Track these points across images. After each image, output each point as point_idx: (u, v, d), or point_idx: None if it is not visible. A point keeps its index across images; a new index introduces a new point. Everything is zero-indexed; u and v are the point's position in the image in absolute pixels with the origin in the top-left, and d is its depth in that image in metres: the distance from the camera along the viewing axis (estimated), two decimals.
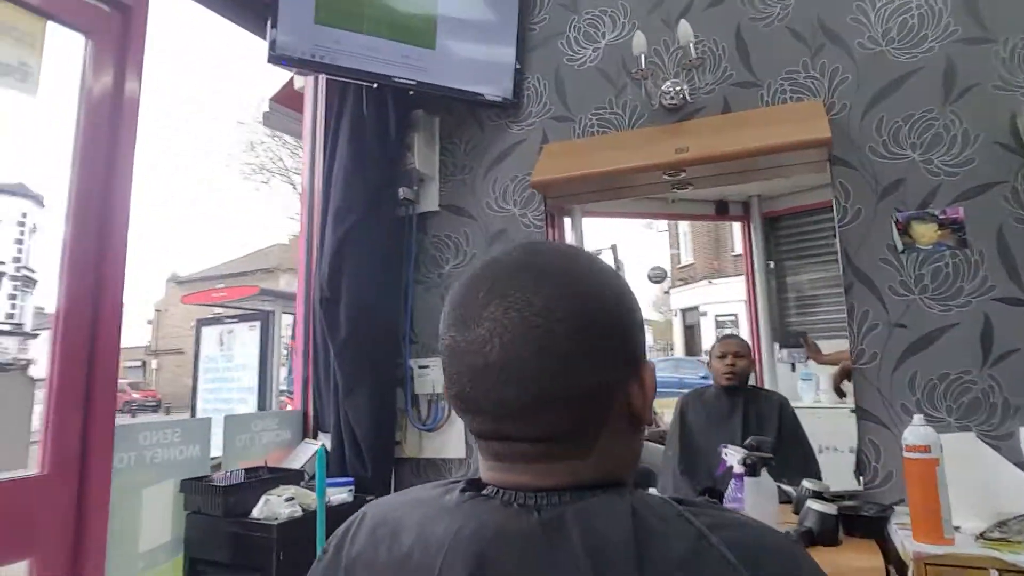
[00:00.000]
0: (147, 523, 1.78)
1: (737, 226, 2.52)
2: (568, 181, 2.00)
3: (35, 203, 22.16)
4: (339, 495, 1.95)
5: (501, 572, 0.52)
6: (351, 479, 2.02)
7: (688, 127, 1.99)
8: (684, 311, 3.76)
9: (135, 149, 1.74)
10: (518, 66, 2.20)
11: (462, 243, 2.27)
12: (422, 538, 0.57)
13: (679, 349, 3.25)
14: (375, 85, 2.03)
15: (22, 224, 22.46)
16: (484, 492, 0.59)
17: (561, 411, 0.55)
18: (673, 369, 3.46)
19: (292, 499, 1.82)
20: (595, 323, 0.56)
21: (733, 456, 1.76)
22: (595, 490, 0.56)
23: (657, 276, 3.30)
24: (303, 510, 1.81)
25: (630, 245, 3.16)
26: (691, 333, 3.61)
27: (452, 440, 2.20)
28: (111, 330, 1.67)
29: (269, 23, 1.80)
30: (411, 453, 2.23)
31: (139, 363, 28.05)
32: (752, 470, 1.64)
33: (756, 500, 1.62)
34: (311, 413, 2.31)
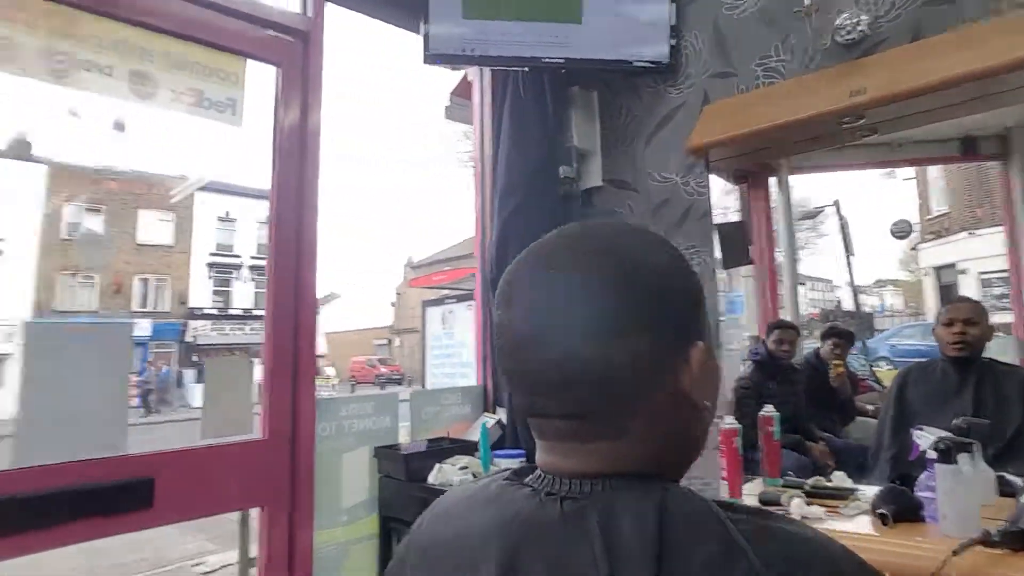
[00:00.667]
0: (347, 483, 2.05)
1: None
2: (726, 143, 1.88)
3: None
4: (510, 466, 2.07)
5: (527, 562, 0.54)
6: (522, 451, 2.13)
7: (868, 64, 1.74)
8: (938, 269, 3.21)
9: (319, 164, 1.99)
10: (673, 23, 2.10)
11: (627, 216, 2.24)
12: (464, 527, 0.61)
13: (932, 313, 2.82)
14: (526, 69, 2.09)
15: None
16: (525, 480, 0.62)
17: (591, 387, 0.55)
18: (921, 336, 2.98)
19: (465, 468, 1.98)
20: (627, 300, 0.55)
21: (925, 439, 1.54)
22: (629, 480, 0.56)
23: (901, 231, 2.92)
24: (474, 478, 1.97)
25: (863, 198, 2.90)
26: (948, 293, 3.10)
27: None
28: (308, 320, 1.95)
29: (422, 24, 1.95)
30: None
31: (385, 341, 31.75)
32: (946, 456, 1.42)
33: (952, 490, 1.40)
34: (490, 388, 2.47)
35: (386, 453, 2.08)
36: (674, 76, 2.15)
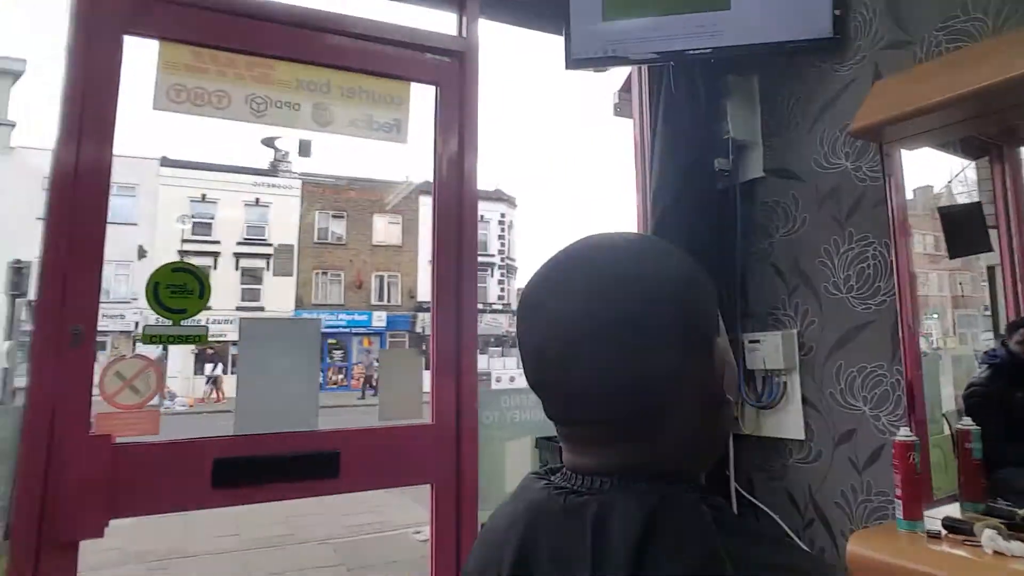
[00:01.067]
0: (511, 470, 2.18)
1: None
2: (896, 122, 1.65)
3: (509, 205, 27.68)
4: None
5: (536, 548, 0.60)
6: None
7: None
8: None
9: (476, 172, 2.14)
10: None
11: (791, 208, 2.07)
12: (500, 515, 0.69)
13: None
14: (671, 64, 2.03)
15: (502, 222, 28.25)
16: (552, 477, 0.66)
17: (626, 400, 0.58)
18: None
19: None
20: (652, 316, 0.58)
21: None
22: (637, 479, 0.58)
23: None
24: None
25: None
26: None
27: (790, 419, 2.05)
28: (470, 318, 2.11)
29: (564, 33, 2.00)
30: (749, 431, 2.16)
31: None
32: None
33: None
34: None
35: (545, 444, 2.17)
36: (840, 52, 1.94)
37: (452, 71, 2.13)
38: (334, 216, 25.82)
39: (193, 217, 23.33)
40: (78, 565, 1.67)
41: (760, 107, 2.17)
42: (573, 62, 2.00)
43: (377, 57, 2.03)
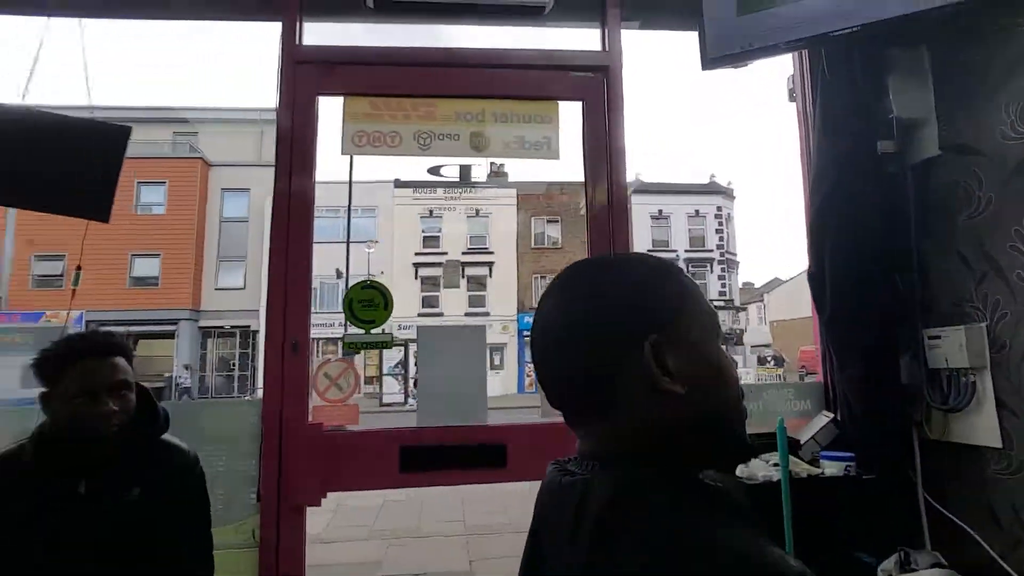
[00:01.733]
0: None
1: None
2: None
3: (726, 197, 26.35)
4: (832, 468, 1.94)
5: (544, 519, 0.76)
6: (850, 454, 1.96)
7: None
8: None
9: (625, 175, 2.22)
10: None
11: (973, 187, 1.84)
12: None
13: None
14: (823, 48, 1.91)
15: (719, 215, 26.97)
16: (565, 460, 0.79)
17: (572, 386, 0.73)
18: None
19: (777, 464, 1.94)
20: (587, 311, 0.72)
21: None
22: (612, 461, 0.69)
23: None
24: (794, 476, 1.91)
25: None
26: None
27: (982, 424, 1.82)
28: None
29: (698, 34, 1.99)
30: (936, 435, 1.95)
31: None
32: None
33: None
34: (830, 385, 2.30)
35: None
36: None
37: (596, 85, 2.23)
38: (548, 221, 26.80)
39: (424, 232, 25.81)
40: (306, 526, 2.10)
41: (932, 78, 1.95)
42: (710, 62, 1.99)
43: (524, 82, 2.21)
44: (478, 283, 25.74)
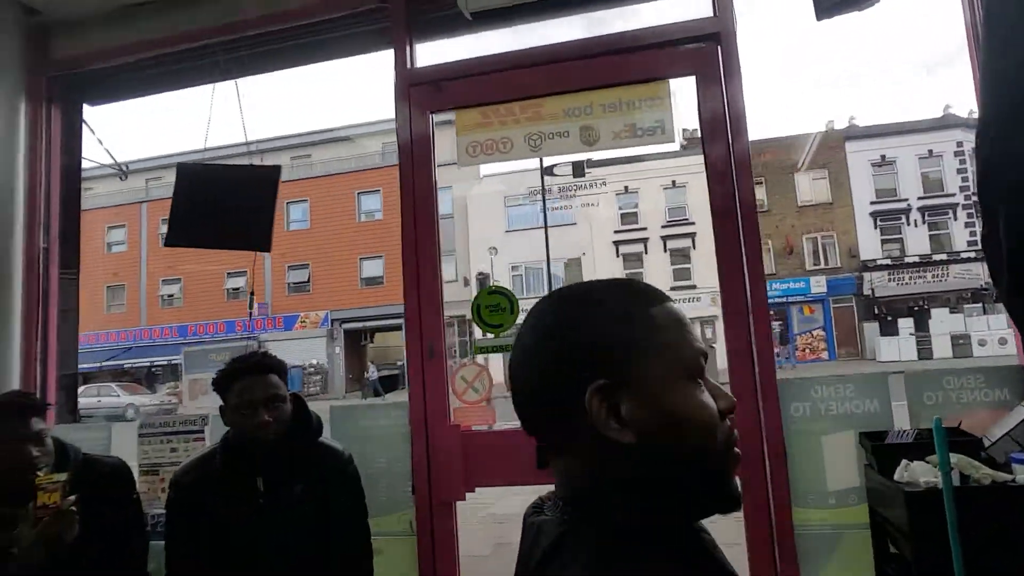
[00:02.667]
0: (831, 467, 1.99)
1: None
2: None
3: (964, 129, 22.27)
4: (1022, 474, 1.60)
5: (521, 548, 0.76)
6: None
7: None
8: None
9: (748, 144, 2.02)
10: None
11: None
12: None
13: None
14: None
15: (959, 152, 22.94)
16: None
17: (531, 422, 0.72)
18: None
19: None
20: (545, 339, 0.70)
21: None
22: (567, 503, 0.68)
23: None
24: (972, 483, 1.61)
25: None
26: None
27: None
28: (759, 297, 2.01)
29: None
30: None
31: None
32: None
33: None
34: None
35: (865, 441, 1.91)
36: None
37: (709, 55, 2.05)
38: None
39: (621, 209, 25.65)
40: (457, 520, 2.24)
41: None
42: (824, 10, 1.72)
43: (630, 66, 2.11)
44: (681, 256, 24.95)
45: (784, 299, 24.29)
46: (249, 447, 1.82)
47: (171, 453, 2.43)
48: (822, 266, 24.54)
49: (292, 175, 27.39)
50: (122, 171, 3.11)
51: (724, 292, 2.05)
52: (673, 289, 23.19)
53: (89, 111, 2.84)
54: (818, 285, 24.13)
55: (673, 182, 24.91)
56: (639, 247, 25.31)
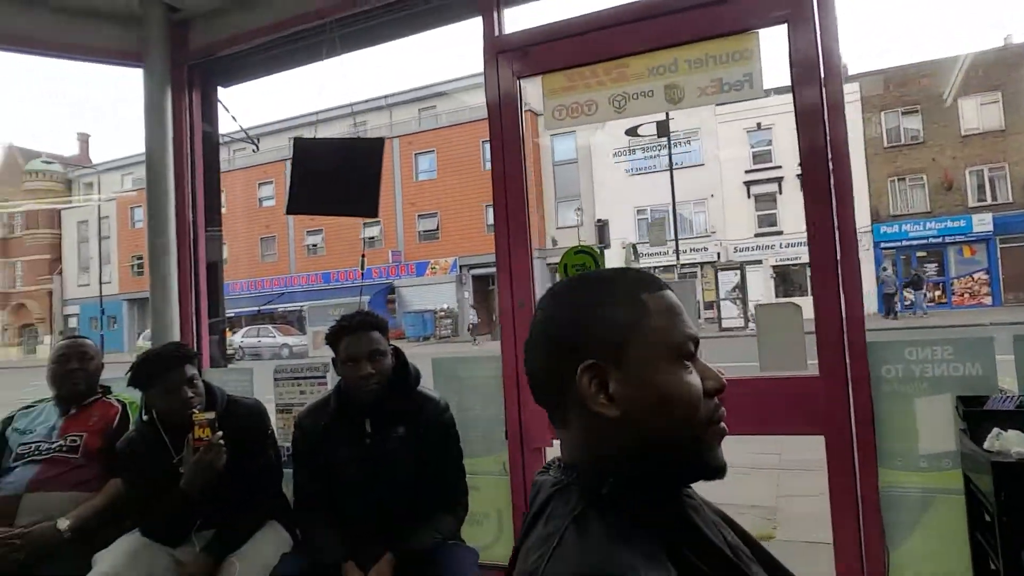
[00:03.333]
0: (925, 430, 1.92)
1: None
2: None
3: None
4: None
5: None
6: None
7: None
8: None
9: (842, 93, 1.92)
10: None
11: None
12: None
13: None
14: None
15: None
16: None
17: (537, 394, 0.83)
18: None
19: None
20: (545, 324, 0.82)
21: None
22: (566, 468, 0.79)
23: None
24: None
25: None
26: None
27: None
28: (850, 264, 1.95)
29: None
30: None
31: None
32: None
33: None
34: None
35: (963, 406, 1.83)
36: None
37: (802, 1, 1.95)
38: (904, 112, 22.59)
39: (752, 147, 24.20)
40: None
41: None
42: None
43: (716, 19, 2.04)
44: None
45: (940, 239, 22.09)
46: (356, 395, 2.06)
47: (300, 395, 2.77)
48: (988, 202, 21.90)
49: (419, 127, 28.24)
50: (254, 142, 3.44)
51: (812, 244, 1.99)
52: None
53: (223, 92, 3.17)
54: (982, 223, 21.64)
55: None
56: (772, 187, 23.86)
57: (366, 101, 28.46)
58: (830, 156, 1.95)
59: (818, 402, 2.01)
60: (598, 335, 0.75)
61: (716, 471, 0.75)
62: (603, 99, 2.20)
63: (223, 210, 3.33)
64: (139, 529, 2.04)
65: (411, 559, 1.94)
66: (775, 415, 2.07)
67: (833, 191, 1.96)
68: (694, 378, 0.74)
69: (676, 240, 21.17)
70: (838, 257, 1.96)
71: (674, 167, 20.28)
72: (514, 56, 2.29)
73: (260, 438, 2.28)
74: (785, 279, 23.65)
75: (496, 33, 2.33)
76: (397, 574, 1.92)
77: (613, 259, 20.62)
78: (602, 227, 10.22)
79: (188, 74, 3.01)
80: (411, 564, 1.94)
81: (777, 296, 23.15)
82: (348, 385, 2.08)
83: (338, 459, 2.07)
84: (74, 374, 2.41)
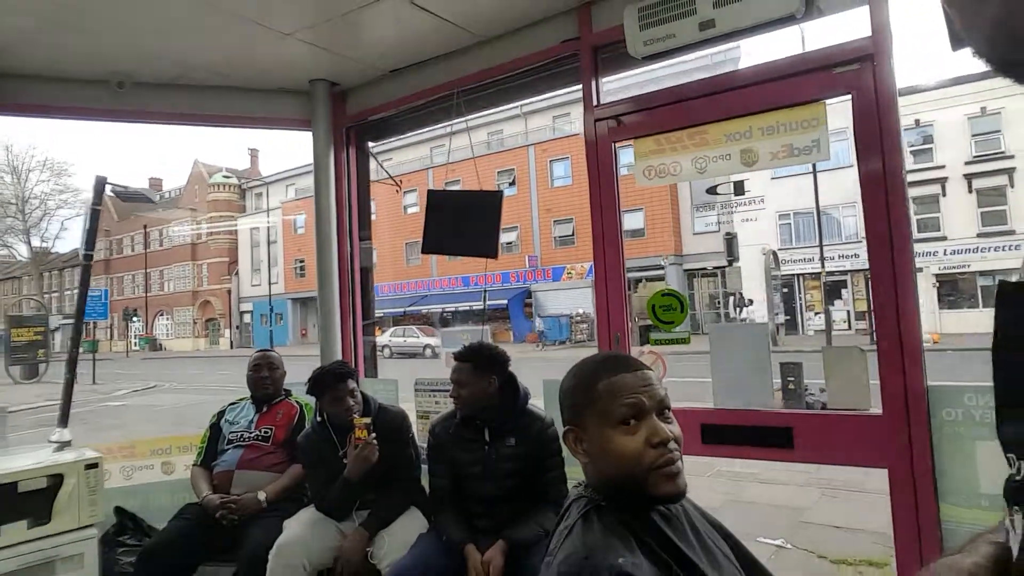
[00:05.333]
0: (985, 472, 2.06)
1: None
2: None
3: None
4: None
5: None
6: None
7: None
8: None
9: (902, 157, 2.11)
10: None
11: None
12: None
13: None
14: None
15: None
16: None
17: None
18: None
19: None
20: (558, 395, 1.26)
21: None
22: (581, 489, 1.21)
23: None
24: None
25: None
26: None
27: None
28: (908, 304, 2.13)
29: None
30: None
31: None
32: None
33: None
34: None
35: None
36: None
37: (864, 75, 2.16)
38: None
39: (911, 145, 22.36)
40: None
41: None
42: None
43: (787, 92, 2.30)
44: (996, 195, 21.03)
45: None
46: (478, 413, 2.55)
47: (435, 404, 3.32)
48: None
49: (553, 134, 28.84)
50: (398, 184, 4.07)
51: (877, 298, 2.19)
52: (981, 236, 19.84)
53: (372, 146, 3.82)
54: None
55: (983, 109, 20.79)
56: (935, 188, 21.71)
57: (500, 110, 29.53)
58: (889, 218, 2.15)
59: (881, 438, 2.20)
60: (571, 411, 1.19)
61: (665, 499, 1.12)
62: (687, 161, 2.52)
63: (373, 217, 3.98)
64: (314, 505, 2.68)
65: (519, 547, 2.40)
66: (841, 447, 2.29)
67: (894, 220, 2.15)
68: (632, 439, 1.11)
69: (820, 246, 20.07)
70: (896, 294, 2.15)
71: (818, 170, 19.21)
72: (610, 125, 2.67)
73: (403, 438, 2.84)
74: (955, 288, 21.57)
75: (595, 103, 2.72)
76: (507, 558, 2.38)
77: (749, 267, 19.94)
78: (730, 240, 10.14)
79: (346, 134, 3.67)
80: (519, 551, 2.39)
81: (942, 308, 21.19)
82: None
83: (462, 461, 2.57)
84: (264, 380, 3.12)
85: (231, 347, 40.50)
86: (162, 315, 46.48)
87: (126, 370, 26.43)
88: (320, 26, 2.82)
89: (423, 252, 3.15)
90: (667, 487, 1.11)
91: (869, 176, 2.18)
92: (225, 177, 43.24)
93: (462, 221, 3.06)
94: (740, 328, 7.97)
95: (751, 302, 18.71)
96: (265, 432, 2.99)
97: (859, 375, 2.29)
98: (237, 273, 42.24)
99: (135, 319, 41.20)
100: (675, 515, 1.15)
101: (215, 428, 3.07)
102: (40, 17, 2.60)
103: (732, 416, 2.47)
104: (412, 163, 29.42)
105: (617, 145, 2.70)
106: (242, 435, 2.98)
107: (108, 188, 3.52)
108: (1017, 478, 0.58)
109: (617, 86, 2.84)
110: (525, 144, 28.82)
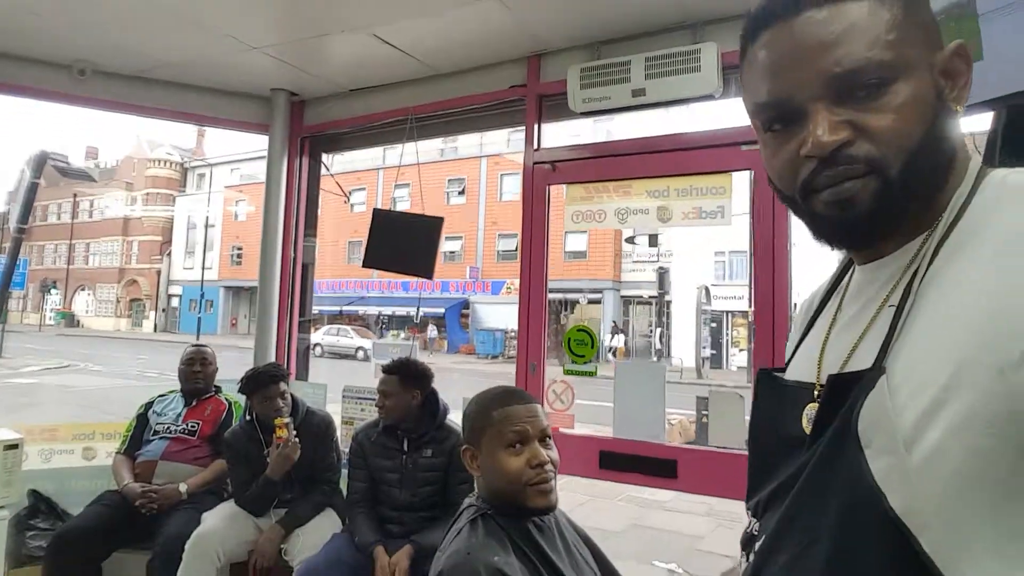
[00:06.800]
0: None
1: None
2: None
3: None
4: None
5: None
6: None
7: None
8: None
9: (789, 234, 2.44)
10: None
11: None
12: None
13: None
14: None
15: None
16: None
17: None
18: None
19: None
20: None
21: None
22: (473, 499, 1.42)
23: None
24: None
25: None
26: None
27: None
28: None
29: None
30: None
31: None
32: None
33: None
34: None
35: None
36: None
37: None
38: None
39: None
40: None
41: None
42: None
43: (702, 160, 2.61)
44: None
45: None
46: (400, 423, 2.73)
47: (360, 412, 3.48)
48: None
49: (508, 147, 29.22)
50: (347, 196, 4.23)
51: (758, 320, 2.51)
52: None
53: (326, 157, 3.97)
54: None
55: None
56: None
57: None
58: (773, 285, 2.47)
59: None
60: (470, 432, 1.42)
61: (538, 511, 1.36)
62: (611, 211, 2.80)
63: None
64: (234, 500, 2.80)
65: (425, 552, 2.59)
66: (718, 480, 2.60)
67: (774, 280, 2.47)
68: (517, 459, 1.35)
69: (751, 286, 21.03)
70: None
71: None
72: (546, 169, 2.93)
73: (327, 442, 2.99)
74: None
75: (535, 146, 2.97)
76: (413, 562, 2.57)
77: (682, 302, 20.81)
78: (662, 275, 10.66)
79: (301, 143, 3.81)
80: (425, 555, 2.58)
81: None
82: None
83: (381, 467, 2.74)
84: (196, 375, 3.21)
85: (155, 330, 38.96)
86: (83, 290, 44.29)
87: (39, 345, 25.12)
88: (286, 44, 2.98)
89: (363, 266, 3.31)
90: (540, 501, 1.34)
91: (761, 238, 2.50)
92: (168, 154, 41.79)
93: (403, 242, 3.25)
94: (642, 366, 8.49)
95: (622, 331, 20.53)
96: (192, 426, 3.09)
97: (738, 417, 2.60)
98: (169, 254, 40.77)
99: (53, 291, 39.20)
100: (548, 525, 1.39)
101: (142, 418, 3.15)
102: None
103: (627, 445, 2.74)
104: (364, 161, 29.18)
105: (551, 187, 2.96)
106: (169, 427, 3.06)
107: (49, 163, 3.54)
108: (747, 531, 0.77)
109: (569, 122, 3.09)
110: (479, 155, 29.10)
